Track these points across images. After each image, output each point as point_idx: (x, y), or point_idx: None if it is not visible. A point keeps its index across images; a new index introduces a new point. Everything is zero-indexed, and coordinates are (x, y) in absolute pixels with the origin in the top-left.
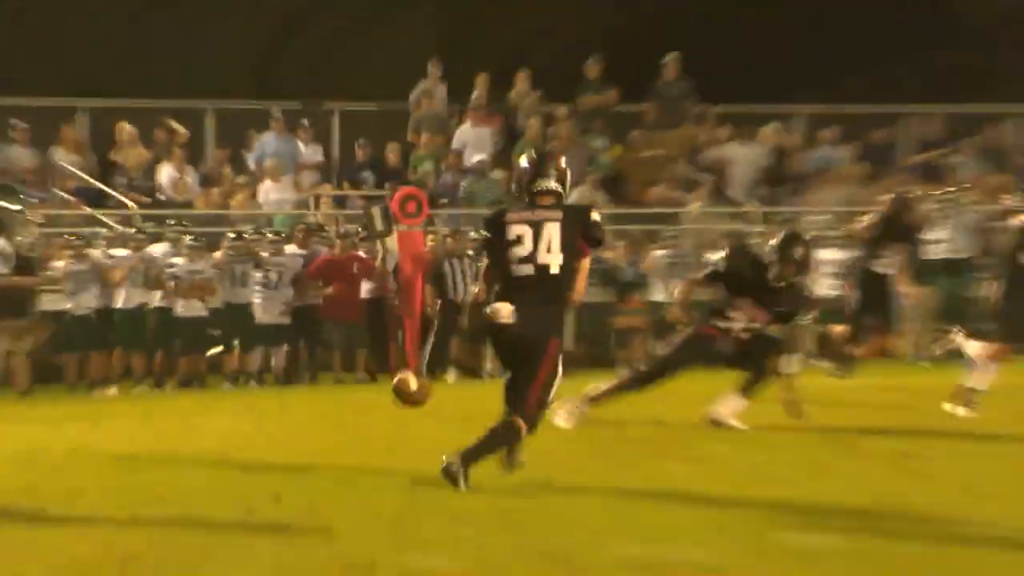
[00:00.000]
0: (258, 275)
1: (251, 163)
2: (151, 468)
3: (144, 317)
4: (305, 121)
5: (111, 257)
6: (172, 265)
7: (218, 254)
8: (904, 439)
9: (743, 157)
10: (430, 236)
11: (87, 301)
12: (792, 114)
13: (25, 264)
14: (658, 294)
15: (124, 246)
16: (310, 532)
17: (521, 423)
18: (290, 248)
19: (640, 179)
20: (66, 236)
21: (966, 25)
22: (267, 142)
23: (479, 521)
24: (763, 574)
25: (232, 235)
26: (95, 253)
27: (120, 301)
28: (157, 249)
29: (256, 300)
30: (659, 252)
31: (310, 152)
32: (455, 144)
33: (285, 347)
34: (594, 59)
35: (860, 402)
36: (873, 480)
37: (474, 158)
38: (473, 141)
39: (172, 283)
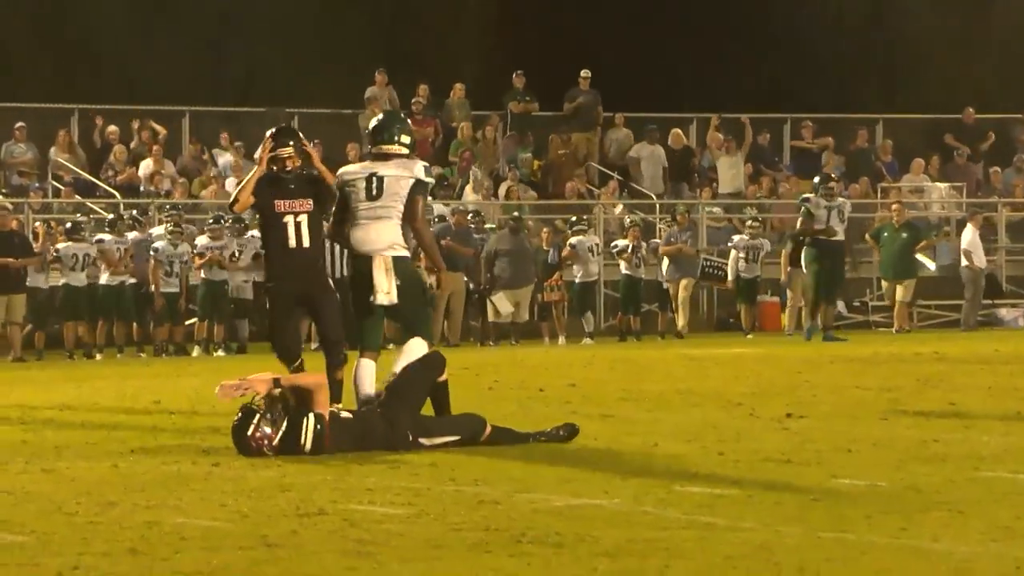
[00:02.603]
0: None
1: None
2: (129, 425)
3: (125, 292)
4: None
5: (101, 241)
6: (156, 249)
7: (202, 239)
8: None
9: (647, 156)
10: None
11: (78, 278)
12: (687, 119)
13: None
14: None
15: (112, 232)
16: (268, 482)
17: None
18: (252, 232)
19: (558, 176)
20: (61, 224)
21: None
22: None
23: (416, 473)
24: (667, 520)
25: (210, 221)
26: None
27: (104, 278)
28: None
29: (228, 278)
30: (574, 239)
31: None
32: None
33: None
34: (518, 73)
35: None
36: (759, 438)
37: None
38: None
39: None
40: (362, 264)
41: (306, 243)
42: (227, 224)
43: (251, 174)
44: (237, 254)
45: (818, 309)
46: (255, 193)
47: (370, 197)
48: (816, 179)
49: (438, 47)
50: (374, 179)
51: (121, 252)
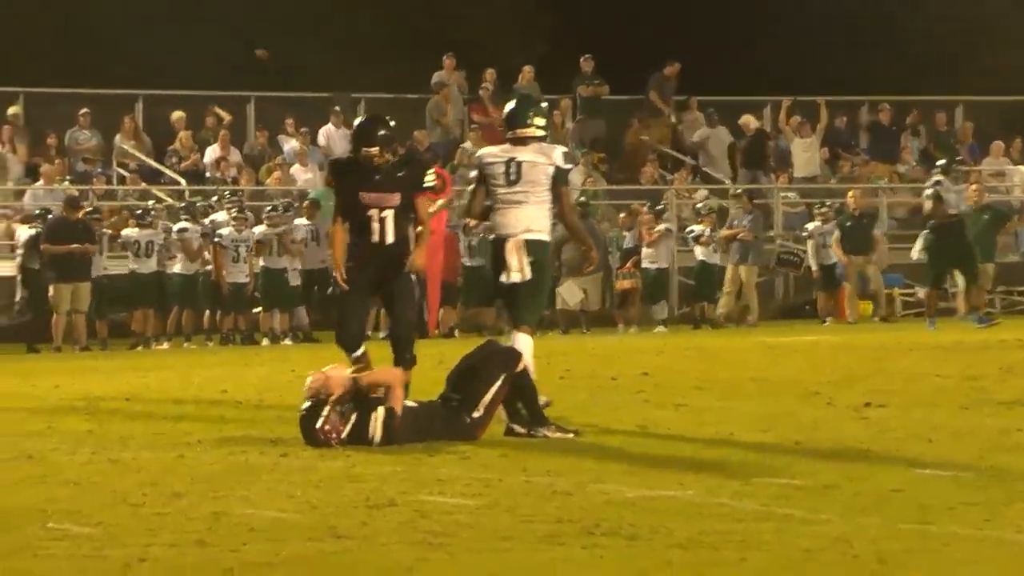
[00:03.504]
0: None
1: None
2: (195, 415)
3: (196, 280)
4: (337, 108)
5: (183, 230)
6: (220, 236)
7: (259, 228)
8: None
9: (711, 140)
10: None
11: (147, 265)
12: (760, 103)
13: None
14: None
15: (191, 219)
16: (337, 473)
17: None
18: (299, 220)
19: (630, 162)
20: (128, 210)
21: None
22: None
23: (487, 464)
24: (743, 511)
25: (269, 208)
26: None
27: (177, 266)
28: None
29: (287, 266)
30: (658, 226)
31: (340, 134)
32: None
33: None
34: (586, 57)
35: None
36: (837, 427)
37: None
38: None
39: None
40: (498, 248)
41: (389, 239)
42: (283, 212)
43: (337, 260)
44: (298, 238)
45: (935, 300)
46: (338, 182)
47: (508, 183)
48: (942, 160)
49: (503, 31)
50: (512, 164)
51: (200, 241)
